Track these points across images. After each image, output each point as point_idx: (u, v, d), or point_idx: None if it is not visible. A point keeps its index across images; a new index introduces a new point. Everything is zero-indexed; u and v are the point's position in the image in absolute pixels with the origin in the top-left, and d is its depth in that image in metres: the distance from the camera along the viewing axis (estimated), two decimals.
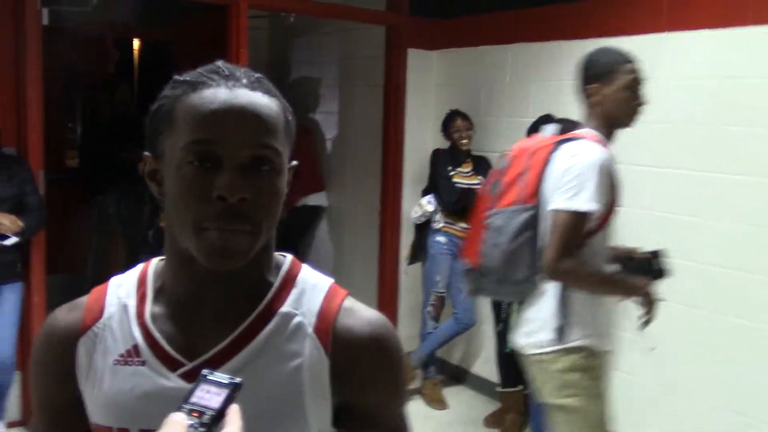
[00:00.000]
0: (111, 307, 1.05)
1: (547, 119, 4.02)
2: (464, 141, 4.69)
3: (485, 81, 4.83)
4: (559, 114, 3.95)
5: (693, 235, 3.72)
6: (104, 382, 1.01)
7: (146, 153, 1.01)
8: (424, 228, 4.81)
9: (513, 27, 4.59)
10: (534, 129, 4.16)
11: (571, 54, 4.23)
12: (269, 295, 1.03)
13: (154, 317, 1.02)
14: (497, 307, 4.29)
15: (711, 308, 3.65)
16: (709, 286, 3.65)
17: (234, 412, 0.81)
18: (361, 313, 1.04)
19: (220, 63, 0.99)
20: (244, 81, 0.96)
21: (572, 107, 4.08)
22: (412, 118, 5.13)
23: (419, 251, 4.86)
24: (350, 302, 1.06)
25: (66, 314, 1.07)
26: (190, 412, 0.79)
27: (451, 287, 4.79)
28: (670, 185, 3.82)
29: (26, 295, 3.87)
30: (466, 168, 4.76)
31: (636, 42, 3.90)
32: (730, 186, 3.56)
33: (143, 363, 1.00)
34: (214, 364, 0.97)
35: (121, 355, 1.01)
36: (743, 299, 3.53)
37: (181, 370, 0.98)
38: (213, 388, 0.82)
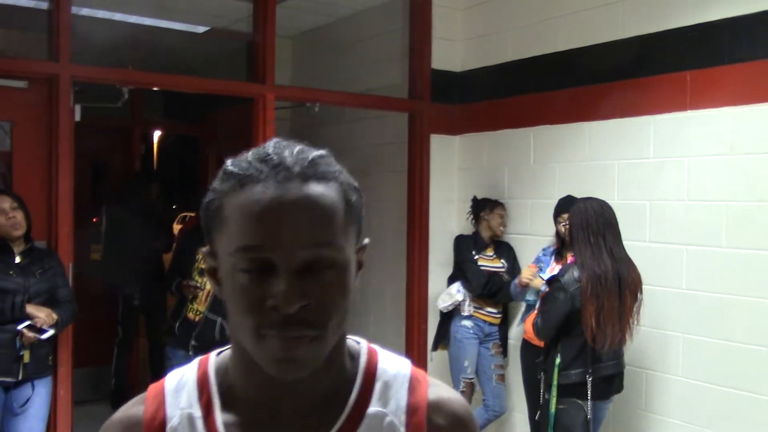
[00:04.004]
0: (173, 419, 0.93)
1: (569, 200, 4.02)
2: (503, 228, 4.72)
3: (508, 163, 4.86)
4: (584, 195, 3.94)
5: (725, 313, 3.64)
6: None
7: (204, 249, 0.93)
8: (448, 313, 4.75)
9: (535, 110, 4.65)
10: (559, 210, 4.16)
11: (594, 135, 4.28)
12: (354, 395, 0.94)
13: (226, 428, 0.91)
14: (533, 394, 4.16)
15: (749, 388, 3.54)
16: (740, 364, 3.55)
17: None
18: (449, 407, 0.98)
19: (270, 147, 0.89)
20: (296, 169, 0.86)
21: (596, 187, 4.11)
22: (436, 203, 5.15)
23: (442, 337, 4.78)
24: (434, 392, 0.98)
25: (123, 430, 0.94)
26: None
27: (479, 373, 4.69)
28: (700, 262, 3.76)
29: (53, 389, 3.82)
30: (489, 252, 4.74)
31: (659, 121, 3.94)
32: (762, 262, 3.50)
33: None
34: None
35: None
36: None
37: None
38: None
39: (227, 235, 0.86)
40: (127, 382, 6.11)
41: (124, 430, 0.94)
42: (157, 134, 7.70)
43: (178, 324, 4.48)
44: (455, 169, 5.24)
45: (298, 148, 0.89)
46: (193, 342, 4.39)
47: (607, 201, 3.69)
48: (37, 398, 3.64)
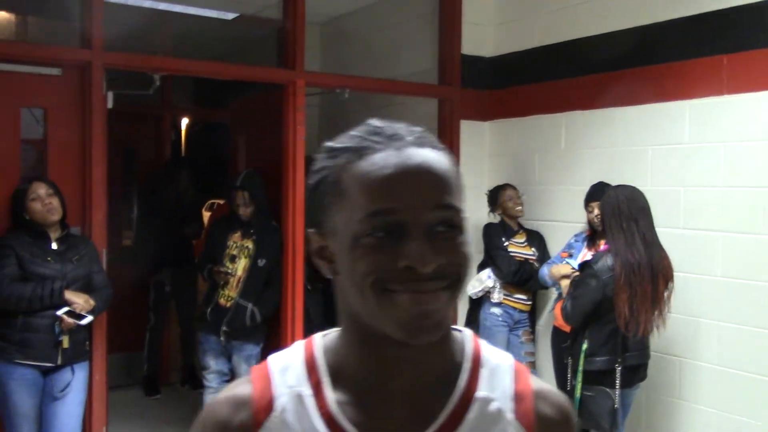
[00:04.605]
0: (281, 397, 0.93)
1: (601, 187, 3.98)
2: (519, 208, 4.66)
3: (539, 150, 4.82)
4: (616, 181, 3.90)
5: (761, 301, 3.59)
6: None
7: (310, 230, 0.94)
8: (477, 300, 4.73)
9: (566, 95, 4.60)
10: (589, 198, 4.12)
11: (627, 120, 4.23)
12: (464, 379, 0.94)
13: (338, 406, 0.92)
14: (562, 380, 4.14)
15: None
16: None
17: None
18: (555, 399, 0.99)
19: (375, 122, 0.92)
20: (410, 139, 0.89)
21: (628, 173, 4.06)
22: (466, 189, 5.09)
23: (470, 324, 4.76)
24: (536, 383, 0.99)
25: (233, 412, 0.94)
26: None
27: None
28: (736, 249, 3.70)
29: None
30: (520, 239, 4.70)
31: (695, 105, 3.88)
32: None
33: None
34: None
35: None
36: None
37: None
38: None
39: (350, 205, 0.87)
40: (159, 367, 6.18)
41: (232, 408, 0.94)
42: (186, 121, 7.73)
43: (209, 310, 4.52)
44: (485, 155, 5.20)
45: (404, 123, 0.93)
46: (224, 328, 4.44)
47: (640, 187, 3.65)
48: (76, 383, 3.70)
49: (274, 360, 0.98)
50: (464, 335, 0.99)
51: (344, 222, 0.87)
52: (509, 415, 0.94)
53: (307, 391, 0.93)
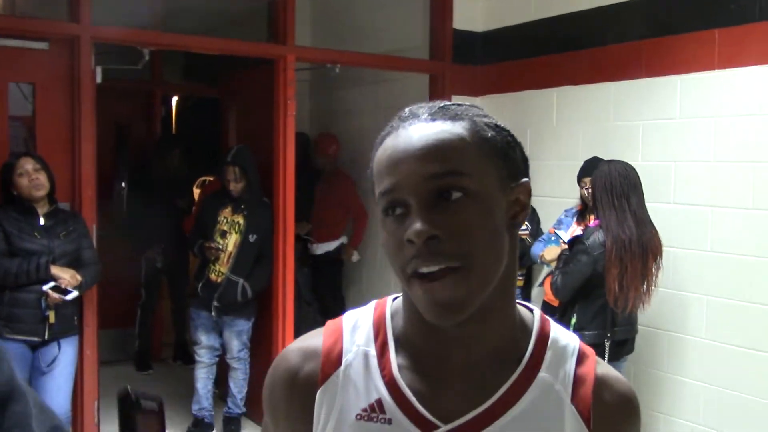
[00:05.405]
0: (349, 354, 0.97)
1: (595, 162, 3.97)
2: None
3: (531, 125, 4.80)
4: (607, 156, 3.90)
5: (750, 274, 3.60)
6: None
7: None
8: None
9: (558, 70, 4.57)
10: (582, 173, 4.12)
11: (619, 95, 4.21)
12: (526, 357, 0.95)
13: (400, 370, 0.94)
14: None
15: None
16: None
17: None
18: (617, 386, 0.97)
19: (409, 107, 0.95)
20: (424, 116, 0.91)
21: (620, 148, 4.05)
22: None
23: None
24: (601, 369, 0.98)
25: (303, 361, 0.98)
26: None
27: None
28: (725, 223, 3.72)
29: (78, 349, 3.88)
30: None
31: (687, 80, 3.87)
32: None
33: (389, 421, 0.92)
34: (471, 429, 0.90)
35: (364, 410, 0.93)
36: None
37: None
38: None
39: (375, 190, 0.92)
40: (151, 343, 6.19)
41: (303, 357, 0.98)
42: (177, 96, 7.67)
43: (200, 285, 4.53)
44: None
45: (437, 102, 0.95)
46: (215, 303, 4.45)
47: (632, 162, 3.65)
48: (63, 357, 3.71)
49: (348, 317, 1.01)
50: (534, 314, 1.00)
51: (377, 205, 0.93)
52: (567, 400, 0.94)
53: (372, 352, 0.96)
